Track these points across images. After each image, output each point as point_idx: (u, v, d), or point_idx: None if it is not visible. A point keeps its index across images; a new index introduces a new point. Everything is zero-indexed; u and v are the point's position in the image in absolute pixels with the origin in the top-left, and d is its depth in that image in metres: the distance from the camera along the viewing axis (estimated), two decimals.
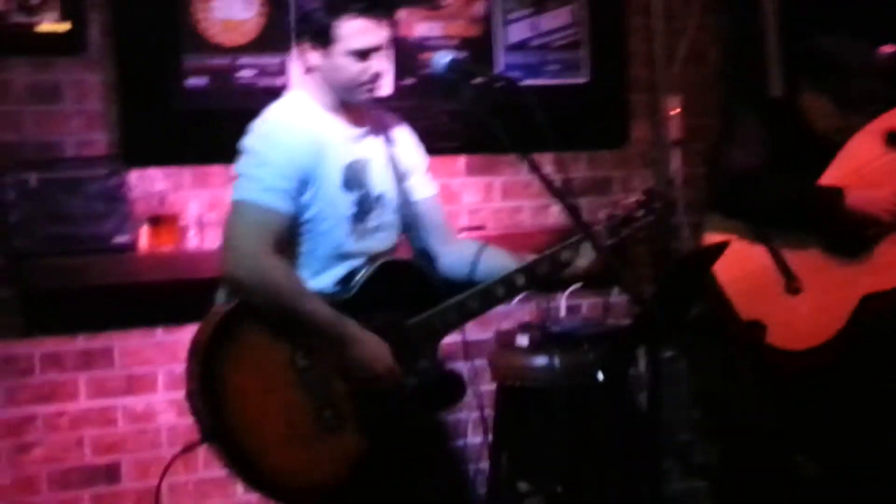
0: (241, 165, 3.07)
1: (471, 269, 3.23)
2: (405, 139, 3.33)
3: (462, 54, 4.32)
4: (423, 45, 4.40)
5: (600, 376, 3.97)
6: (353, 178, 3.14)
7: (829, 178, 3.87)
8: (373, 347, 3.04)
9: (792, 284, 3.84)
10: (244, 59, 4.17)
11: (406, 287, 3.15)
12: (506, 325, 4.46)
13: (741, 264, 3.83)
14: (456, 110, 4.32)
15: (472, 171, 4.53)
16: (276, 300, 2.98)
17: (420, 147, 3.36)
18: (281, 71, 4.21)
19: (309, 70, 3.15)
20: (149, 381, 4.15)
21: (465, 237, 3.44)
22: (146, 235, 4.04)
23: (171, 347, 4.10)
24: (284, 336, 3.02)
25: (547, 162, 4.06)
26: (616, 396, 4.14)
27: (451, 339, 4.35)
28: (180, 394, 3.89)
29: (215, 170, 4.16)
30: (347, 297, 3.11)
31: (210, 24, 4.11)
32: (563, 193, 3.07)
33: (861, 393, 3.86)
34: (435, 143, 4.36)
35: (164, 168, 4.12)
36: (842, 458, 3.93)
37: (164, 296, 3.99)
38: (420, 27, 4.39)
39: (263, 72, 4.20)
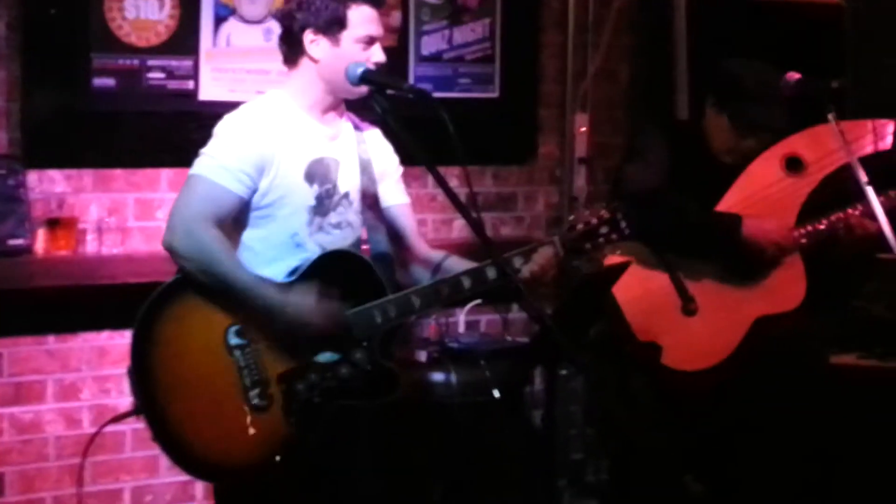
0: (206, 147, 3.15)
1: (431, 277, 3.28)
2: (379, 144, 3.37)
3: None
4: None
5: (496, 394, 3.98)
6: (316, 173, 3.20)
7: (730, 200, 3.93)
8: (294, 302, 3.06)
9: (688, 306, 3.89)
10: (154, 61, 4.13)
11: (351, 279, 3.16)
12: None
13: (640, 285, 3.87)
14: (366, 121, 4.32)
15: None
16: (209, 268, 3.03)
17: (395, 156, 3.39)
18: (191, 74, 4.18)
19: (302, 68, 3.19)
20: (37, 390, 4.01)
21: (432, 248, 3.46)
22: (43, 238, 3.97)
23: (63, 356, 4.03)
24: (220, 313, 3.08)
25: (453, 176, 4.11)
26: (512, 414, 4.16)
27: None
28: (70, 404, 3.85)
29: (117, 173, 4.12)
30: (289, 283, 3.14)
31: (121, 23, 4.06)
32: (467, 208, 3.09)
33: (749, 414, 3.92)
34: None
35: (65, 170, 4.05)
36: (728, 478, 4.00)
37: (59, 302, 3.91)
38: None
39: (173, 75, 4.16)
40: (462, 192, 3.19)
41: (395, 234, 3.35)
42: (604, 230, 3.17)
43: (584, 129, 4.86)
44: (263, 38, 4.26)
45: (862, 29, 5.03)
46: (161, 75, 4.15)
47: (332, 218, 3.23)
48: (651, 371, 3.84)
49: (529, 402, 4.48)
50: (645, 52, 5.03)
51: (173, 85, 4.16)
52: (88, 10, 4.02)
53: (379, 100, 3.11)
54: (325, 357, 3.13)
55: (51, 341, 4.02)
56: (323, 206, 3.21)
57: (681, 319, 3.89)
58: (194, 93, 4.18)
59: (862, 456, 4.21)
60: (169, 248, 3.06)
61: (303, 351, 3.11)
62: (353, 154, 3.28)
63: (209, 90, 4.20)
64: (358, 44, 3.16)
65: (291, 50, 3.22)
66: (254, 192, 3.12)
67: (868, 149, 3.87)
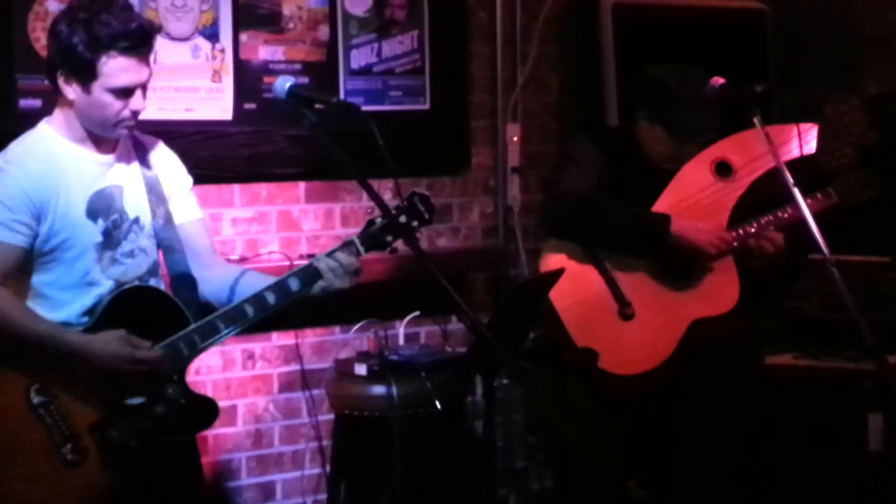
0: None
1: (229, 294, 3.20)
2: (166, 161, 3.29)
3: (303, 80, 4.35)
4: (266, 69, 4.37)
5: (438, 405, 3.99)
6: (100, 207, 3.11)
7: (661, 204, 3.96)
8: (98, 347, 2.99)
9: (625, 310, 3.92)
10: None
11: (151, 313, 3.09)
12: (344, 353, 4.46)
13: (576, 290, 3.89)
14: (296, 136, 4.30)
15: (311, 197, 4.49)
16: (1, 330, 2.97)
17: (182, 169, 3.33)
18: None
19: (64, 103, 3.11)
20: None
21: (228, 263, 3.38)
22: None
23: None
24: (16, 374, 2.99)
25: (388, 188, 4.11)
26: (453, 424, 4.16)
27: (288, 367, 4.39)
28: None
29: None
30: (88, 326, 3.07)
31: (46, 44, 4.01)
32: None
33: (688, 416, 3.95)
34: (275, 169, 4.38)
35: None
36: (671, 482, 4.03)
37: None
38: (263, 51, 4.36)
39: None
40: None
41: (191, 252, 3.25)
42: (403, 219, 3.15)
43: (515, 138, 4.89)
44: (191, 55, 4.23)
45: (784, 34, 5.14)
46: None
47: (125, 247, 3.15)
48: (589, 376, 3.86)
49: (471, 411, 4.50)
50: (573, 61, 5.06)
51: None
52: (11, 30, 3.95)
53: (308, 115, 3.05)
54: (135, 399, 3.05)
55: None
56: (112, 238, 3.12)
57: (618, 324, 3.91)
58: None
59: (800, 455, 4.27)
60: None
61: (111, 397, 3.03)
62: (136, 176, 3.19)
63: None
64: (110, 94, 3.04)
65: (52, 85, 3.12)
66: (35, 238, 3.04)
67: (794, 153, 3.91)
